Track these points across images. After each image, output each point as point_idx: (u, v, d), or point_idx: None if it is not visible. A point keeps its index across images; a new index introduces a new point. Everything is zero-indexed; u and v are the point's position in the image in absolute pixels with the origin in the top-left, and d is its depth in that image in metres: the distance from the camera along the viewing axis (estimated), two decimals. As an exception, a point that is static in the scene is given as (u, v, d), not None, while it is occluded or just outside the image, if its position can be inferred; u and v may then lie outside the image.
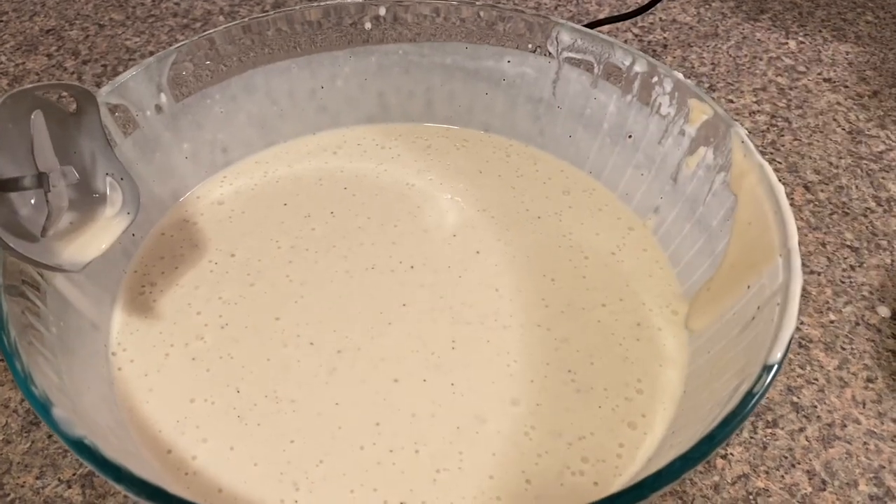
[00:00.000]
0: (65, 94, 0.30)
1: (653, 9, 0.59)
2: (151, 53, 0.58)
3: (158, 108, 0.38)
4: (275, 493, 0.29)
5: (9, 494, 0.32)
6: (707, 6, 0.65)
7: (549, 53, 0.41)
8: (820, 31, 0.62)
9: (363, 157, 0.44)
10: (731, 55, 0.59)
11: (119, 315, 0.36)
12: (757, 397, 0.25)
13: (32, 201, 0.29)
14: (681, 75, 0.37)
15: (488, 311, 0.36)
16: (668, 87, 0.37)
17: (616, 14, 0.60)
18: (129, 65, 0.57)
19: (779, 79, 0.57)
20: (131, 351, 0.34)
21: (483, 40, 0.42)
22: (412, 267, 0.38)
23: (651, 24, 0.63)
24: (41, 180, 0.28)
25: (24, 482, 0.33)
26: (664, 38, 0.61)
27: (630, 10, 0.62)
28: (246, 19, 0.40)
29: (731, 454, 0.35)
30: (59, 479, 0.33)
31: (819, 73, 0.58)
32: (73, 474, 0.33)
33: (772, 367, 0.25)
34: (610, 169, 0.41)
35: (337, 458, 0.30)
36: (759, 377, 0.25)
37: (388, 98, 0.44)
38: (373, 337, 0.35)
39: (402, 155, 0.44)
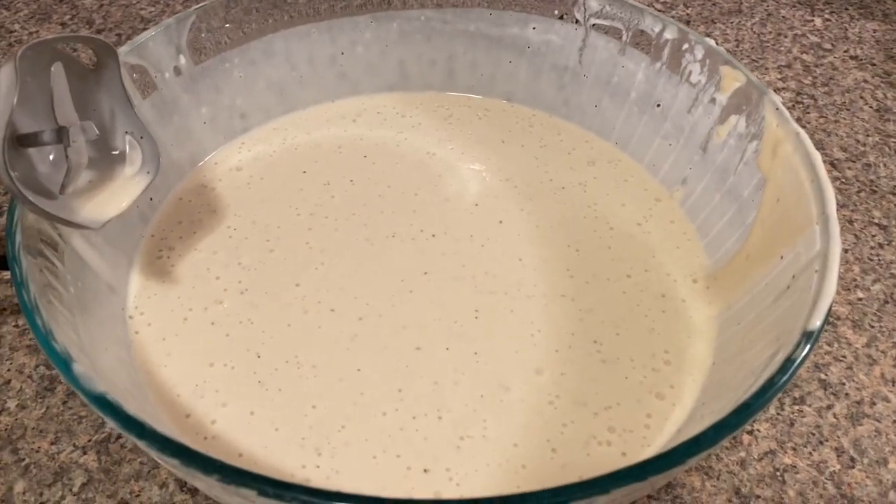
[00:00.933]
0: (85, 47, 0.29)
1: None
2: (166, 23, 0.58)
3: (177, 71, 0.38)
4: (296, 458, 0.29)
5: (24, 459, 0.32)
6: (731, -18, 0.64)
7: (576, 20, 0.40)
8: (846, 9, 0.61)
9: (383, 126, 0.43)
10: (755, 32, 0.58)
11: (136, 278, 0.35)
12: (796, 364, 0.24)
13: (51, 157, 0.29)
14: (712, 42, 0.36)
15: (512, 281, 0.35)
16: (700, 54, 0.36)
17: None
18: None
19: (804, 56, 0.56)
20: (149, 314, 0.34)
21: (507, 6, 0.41)
22: (433, 235, 0.37)
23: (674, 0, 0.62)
24: (60, 135, 0.27)
25: (39, 447, 0.33)
26: (687, 13, 0.60)
27: (653, -16, 0.61)
28: (266, -19, 0.39)
29: (758, 430, 0.34)
30: (74, 445, 0.33)
31: (846, 51, 0.57)
32: (89, 440, 0.33)
33: (812, 333, 0.25)
34: (637, 139, 0.40)
35: (359, 424, 0.30)
36: (799, 344, 0.24)
37: (409, 66, 0.44)
38: (394, 304, 0.34)
39: (422, 124, 0.43)
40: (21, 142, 0.27)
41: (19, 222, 0.27)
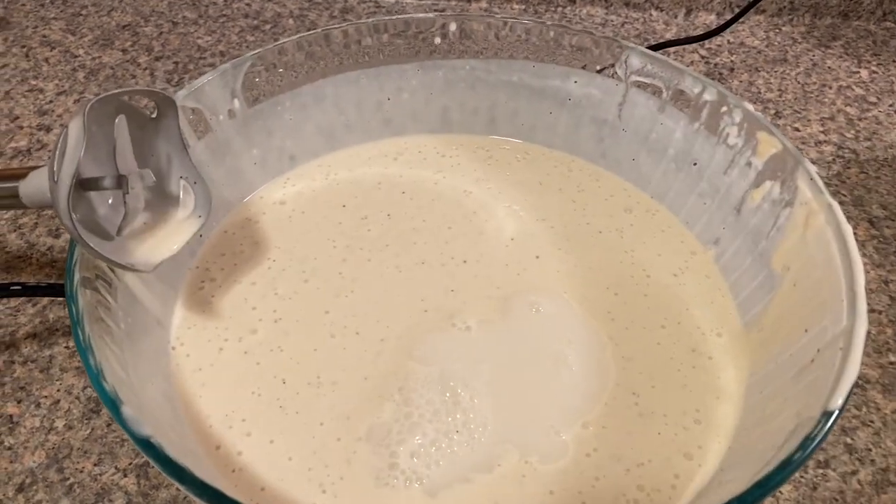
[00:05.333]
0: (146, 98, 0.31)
1: (721, 32, 0.58)
2: (222, 53, 0.60)
3: (231, 114, 0.39)
4: (306, 494, 0.30)
5: (68, 479, 0.34)
6: (777, 31, 0.64)
7: (617, 76, 0.41)
8: (894, 61, 0.61)
9: (423, 164, 0.44)
10: (799, 82, 0.58)
11: (179, 311, 0.37)
12: (815, 443, 0.24)
13: (110, 201, 0.31)
14: (751, 106, 0.36)
15: (554, 313, 0.36)
16: (738, 117, 0.37)
17: (683, 36, 0.60)
18: (199, 63, 0.59)
19: (848, 108, 0.56)
20: (188, 346, 0.35)
21: (550, 59, 0.42)
22: (465, 262, 0.38)
23: (718, 46, 0.62)
24: (120, 182, 0.29)
25: (83, 468, 0.34)
26: (731, 61, 0.60)
27: (698, 32, 0.61)
28: (319, 30, 0.41)
29: (780, 492, 0.34)
30: (115, 468, 0.34)
31: (891, 105, 0.56)
32: (129, 463, 0.34)
33: (831, 413, 0.25)
34: (673, 193, 0.41)
35: (373, 446, 0.31)
36: (818, 423, 0.25)
37: (452, 113, 0.45)
38: (410, 327, 0.35)
39: (461, 164, 0.44)
40: (83, 185, 0.29)
41: (78, 261, 0.29)
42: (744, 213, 0.37)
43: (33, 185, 0.30)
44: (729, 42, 0.62)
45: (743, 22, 0.64)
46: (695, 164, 0.39)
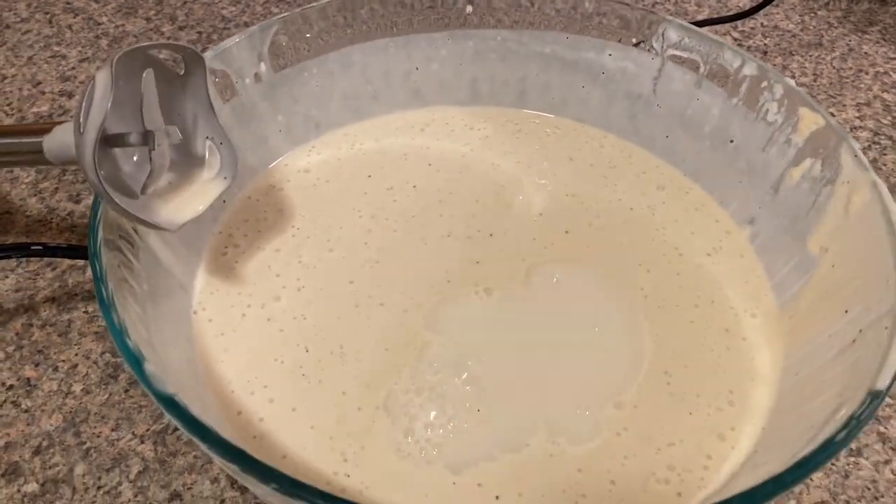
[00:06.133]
0: (174, 54, 0.30)
1: (755, 14, 0.57)
2: (246, 24, 0.59)
3: (257, 77, 0.39)
4: (327, 464, 0.29)
5: (85, 443, 0.33)
6: (812, 14, 0.63)
7: (654, 49, 0.40)
8: (932, 49, 0.59)
9: (450, 136, 0.43)
10: (834, 67, 0.57)
11: (202, 275, 0.36)
12: (861, 423, 0.23)
13: (135, 158, 0.30)
14: (792, 82, 0.35)
15: (584, 288, 0.35)
16: (778, 92, 0.36)
17: (716, 16, 0.59)
18: (223, 33, 0.58)
19: (885, 95, 0.54)
20: (210, 311, 0.35)
21: (585, 31, 0.41)
22: (491, 235, 0.38)
23: (752, 28, 0.61)
24: (147, 138, 0.28)
25: (101, 433, 0.34)
26: (765, 44, 0.59)
27: (731, 13, 0.60)
28: (346, -5, 0.40)
29: (811, 479, 0.33)
30: (133, 434, 0.34)
31: (929, 92, 0.55)
32: (147, 430, 0.34)
33: (879, 392, 0.24)
34: (708, 172, 0.40)
35: (395, 420, 0.31)
36: (864, 403, 0.24)
37: (481, 84, 0.44)
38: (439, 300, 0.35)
39: (490, 137, 0.43)
40: (109, 142, 0.28)
41: (102, 219, 0.28)
42: (782, 191, 0.36)
43: (58, 140, 0.29)
44: (763, 25, 0.61)
45: (777, 5, 0.63)
46: (731, 141, 0.38)
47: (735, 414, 0.31)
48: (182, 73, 0.31)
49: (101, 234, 0.28)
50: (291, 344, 0.33)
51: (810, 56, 0.58)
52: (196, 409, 0.24)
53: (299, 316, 0.34)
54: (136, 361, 0.24)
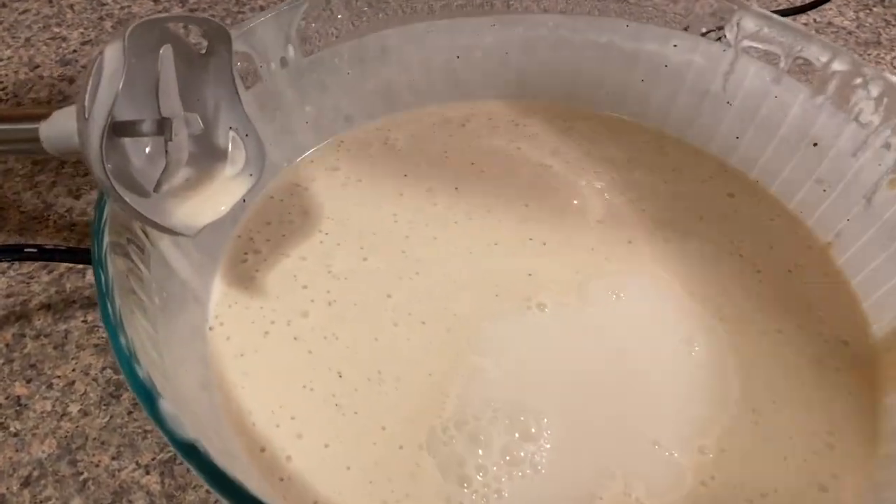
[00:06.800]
0: (196, 29, 0.27)
1: (808, 10, 0.54)
2: (261, 8, 0.56)
3: (284, 62, 0.35)
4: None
5: (82, 473, 0.30)
6: (868, 11, 0.59)
7: (726, 40, 0.36)
8: None
9: (494, 133, 0.40)
10: (894, 66, 0.53)
11: (218, 285, 0.33)
12: None
13: (147, 150, 0.26)
14: (894, 78, 0.31)
15: (652, 306, 0.32)
16: (875, 91, 0.32)
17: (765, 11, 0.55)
18: (237, 17, 0.55)
19: (952, 98, 0.51)
20: (228, 326, 0.31)
21: (647, 19, 0.37)
22: (544, 244, 0.34)
23: (804, 24, 0.57)
24: (163, 126, 0.25)
25: (100, 461, 0.30)
26: (820, 41, 0.55)
27: (781, 7, 0.56)
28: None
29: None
30: (136, 463, 0.30)
31: None
32: (153, 459, 0.30)
33: None
34: (783, 178, 0.36)
35: (441, 460, 0.27)
36: None
37: (529, 77, 0.41)
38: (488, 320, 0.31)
39: (538, 134, 0.40)
40: (118, 130, 0.25)
41: (108, 221, 0.24)
42: (875, 202, 0.32)
43: (58, 127, 0.25)
44: (815, 21, 0.57)
45: (831, 0, 0.59)
46: (815, 144, 0.34)
47: (837, 459, 0.27)
48: (204, 52, 0.27)
49: (106, 239, 0.24)
50: (322, 368, 0.30)
51: (868, 55, 0.54)
52: (215, 450, 0.20)
53: (330, 335, 0.31)
54: (149, 397, 0.20)
